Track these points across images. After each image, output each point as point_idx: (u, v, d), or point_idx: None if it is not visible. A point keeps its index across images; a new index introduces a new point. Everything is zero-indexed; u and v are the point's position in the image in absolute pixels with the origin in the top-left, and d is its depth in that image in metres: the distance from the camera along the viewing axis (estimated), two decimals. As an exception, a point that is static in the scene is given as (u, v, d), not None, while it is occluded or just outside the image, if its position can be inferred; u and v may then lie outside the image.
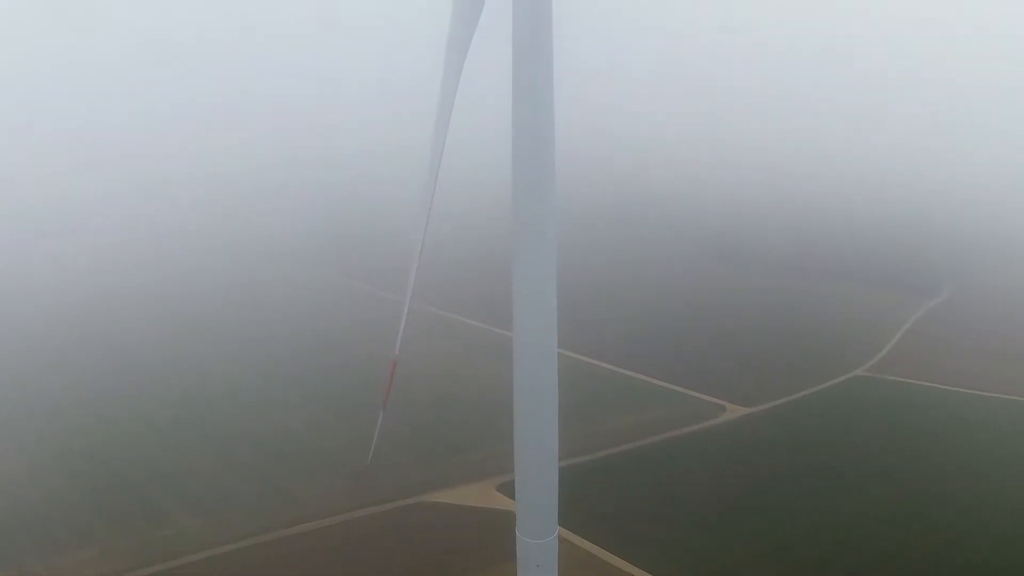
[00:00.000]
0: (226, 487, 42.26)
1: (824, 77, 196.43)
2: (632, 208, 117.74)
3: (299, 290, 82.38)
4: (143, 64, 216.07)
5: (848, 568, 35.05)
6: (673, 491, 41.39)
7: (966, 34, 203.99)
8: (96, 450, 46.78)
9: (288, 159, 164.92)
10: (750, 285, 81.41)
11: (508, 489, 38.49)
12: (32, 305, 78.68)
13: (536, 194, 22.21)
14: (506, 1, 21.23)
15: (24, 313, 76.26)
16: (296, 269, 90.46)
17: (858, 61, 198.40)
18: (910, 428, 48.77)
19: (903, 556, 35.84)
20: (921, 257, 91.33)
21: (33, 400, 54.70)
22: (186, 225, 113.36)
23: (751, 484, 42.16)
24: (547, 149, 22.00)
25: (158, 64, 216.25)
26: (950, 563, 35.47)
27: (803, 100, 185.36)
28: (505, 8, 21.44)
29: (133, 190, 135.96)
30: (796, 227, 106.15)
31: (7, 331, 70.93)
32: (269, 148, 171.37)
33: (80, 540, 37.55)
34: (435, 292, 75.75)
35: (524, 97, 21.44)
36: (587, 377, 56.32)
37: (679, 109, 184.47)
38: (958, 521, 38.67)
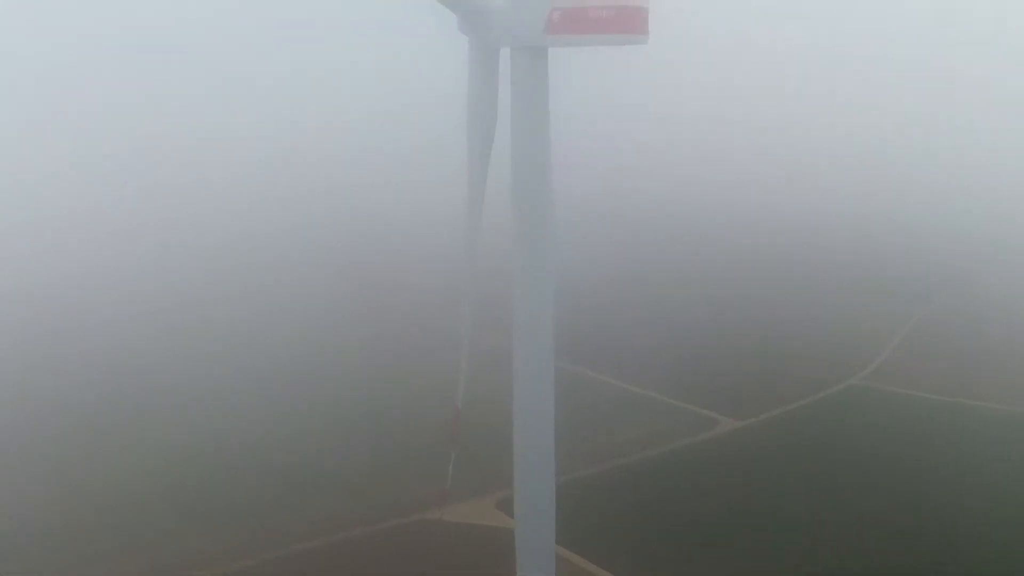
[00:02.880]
0: (230, 503, 42.89)
1: (820, 82, 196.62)
2: (625, 219, 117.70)
3: (305, 298, 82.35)
4: (143, 62, 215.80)
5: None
6: (666, 507, 42.02)
7: (963, 35, 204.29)
8: (102, 463, 47.39)
9: (290, 159, 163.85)
10: (742, 294, 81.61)
11: (506, 505, 39.19)
12: (34, 309, 78.65)
13: (534, 209, 23.04)
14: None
15: (25, 317, 76.37)
16: (303, 274, 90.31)
17: (857, 66, 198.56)
18: (904, 440, 49.29)
19: (899, 568, 36.57)
20: (915, 264, 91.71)
21: (36, 412, 55.13)
22: (192, 228, 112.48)
23: (745, 499, 42.76)
24: (543, 158, 22.84)
25: (158, 62, 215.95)
26: (947, 574, 36.19)
27: (803, 106, 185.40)
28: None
29: (133, 192, 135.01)
30: (791, 236, 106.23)
31: (9, 336, 71.30)
32: (269, 149, 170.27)
33: (88, 557, 38.20)
34: (437, 301, 76.11)
35: (521, 105, 22.32)
36: (580, 388, 56.28)
37: (680, 115, 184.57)
38: (955, 533, 39.28)
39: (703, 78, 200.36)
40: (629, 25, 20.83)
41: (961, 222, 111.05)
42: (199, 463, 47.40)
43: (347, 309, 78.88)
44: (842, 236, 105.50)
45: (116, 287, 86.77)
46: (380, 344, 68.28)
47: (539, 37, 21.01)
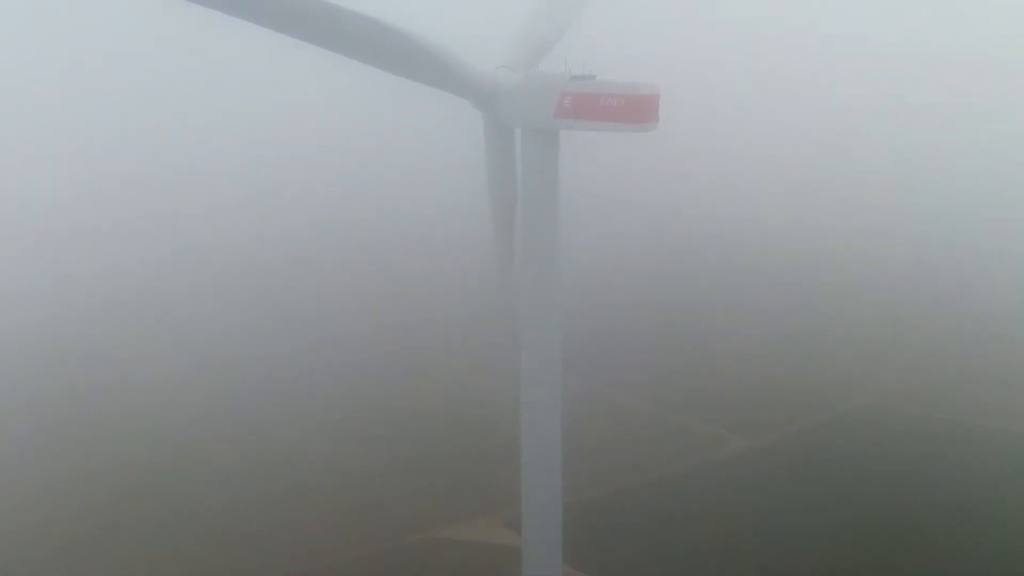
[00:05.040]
0: (237, 519, 43.67)
1: (820, 89, 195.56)
2: (633, 233, 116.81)
3: (305, 305, 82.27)
4: (143, 64, 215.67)
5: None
6: (674, 525, 42.45)
7: (962, 41, 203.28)
8: (101, 476, 48.12)
9: (291, 160, 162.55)
10: (752, 311, 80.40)
11: (515, 523, 39.88)
12: (35, 312, 79.34)
13: (541, 241, 23.37)
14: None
15: (27, 320, 77.02)
16: (313, 292, 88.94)
17: (858, 78, 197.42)
18: (916, 461, 49.05)
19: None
20: (924, 277, 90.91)
21: (36, 416, 56.09)
22: (195, 230, 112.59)
23: (755, 517, 43.03)
24: (553, 233, 23.32)
25: (159, 64, 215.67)
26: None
27: (807, 118, 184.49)
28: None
29: (133, 194, 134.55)
30: (802, 252, 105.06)
31: (10, 339, 72.05)
32: (269, 149, 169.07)
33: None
34: (432, 310, 76.83)
35: (531, 181, 22.68)
36: (588, 406, 55.86)
37: (684, 124, 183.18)
38: (968, 553, 39.56)
39: (708, 86, 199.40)
40: (639, 115, 20.71)
41: (969, 234, 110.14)
42: (203, 481, 47.72)
43: (365, 324, 78.01)
44: (853, 251, 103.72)
45: (125, 291, 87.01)
46: (388, 357, 68.30)
47: (549, 121, 21.16)
